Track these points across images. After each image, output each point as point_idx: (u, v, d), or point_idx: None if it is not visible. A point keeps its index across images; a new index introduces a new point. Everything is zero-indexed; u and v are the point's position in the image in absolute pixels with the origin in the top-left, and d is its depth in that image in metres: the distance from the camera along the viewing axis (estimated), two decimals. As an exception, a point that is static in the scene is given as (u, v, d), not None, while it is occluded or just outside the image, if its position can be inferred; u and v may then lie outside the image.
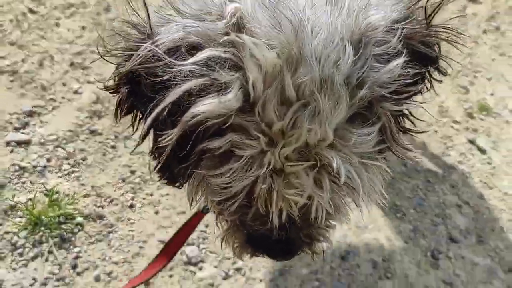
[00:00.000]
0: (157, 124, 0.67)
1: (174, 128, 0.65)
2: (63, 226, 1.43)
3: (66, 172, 1.55)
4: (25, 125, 1.60)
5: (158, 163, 0.73)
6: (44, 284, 1.33)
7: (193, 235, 1.49)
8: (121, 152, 1.63)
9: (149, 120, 0.66)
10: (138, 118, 0.77)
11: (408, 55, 0.68)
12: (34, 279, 1.33)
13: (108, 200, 1.52)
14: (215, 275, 1.44)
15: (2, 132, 1.57)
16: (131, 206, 1.53)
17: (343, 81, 0.63)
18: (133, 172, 1.59)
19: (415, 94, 0.71)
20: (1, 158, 1.52)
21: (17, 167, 1.52)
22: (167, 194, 1.57)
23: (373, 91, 0.66)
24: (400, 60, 0.66)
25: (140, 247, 1.45)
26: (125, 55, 0.71)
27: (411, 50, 0.70)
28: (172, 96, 0.63)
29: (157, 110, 0.65)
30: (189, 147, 0.66)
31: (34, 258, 1.37)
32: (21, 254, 1.37)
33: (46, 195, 1.48)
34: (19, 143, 1.56)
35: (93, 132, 1.63)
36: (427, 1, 0.73)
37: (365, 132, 0.69)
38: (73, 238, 1.43)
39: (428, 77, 0.79)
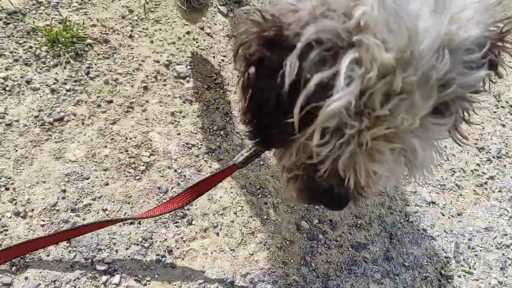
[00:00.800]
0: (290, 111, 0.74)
1: (311, 122, 0.73)
2: (76, 45, 1.77)
3: (75, 8, 1.87)
4: (38, -30, 1.89)
5: (260, 134, 0.88)
6: (64, 83, 1.68)
7: (182, 59, 1.86)
8: (120, -4, 1.95)
9: (296, 113, 0.73)
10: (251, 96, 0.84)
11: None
12: (56, 79, 1.68)
13: (111, 30, 1.86)
14: (199, 86, 1.82)
15: (19, -26, 1.87)
16: (131, 36, 1.87)
17: (436, 81, 0.71)
18: (131, 11, 1.92)
19: (483, 92, 0.81)
20: (20, -6, 1.83)
21: (34, 1, 1.83)
22: (160, 30, 1.92)
23: (456, 92, 0.74)
24: (484, 72, 0.75)
25: (139, 64, 1.81)
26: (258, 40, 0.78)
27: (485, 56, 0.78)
28: (309, 89, 0.71)
29: (300, 101, 0.72)
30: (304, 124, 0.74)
31: (54, 66, 1.72)
32: (44, 62, 1.71)
33: (60, 23, 1.80)
34: (34, -16, 1.86)
35: (96, -21, 1.94)
36: (506, 21, 0.82)
37: (442, 123, 0.76)
38: (84, 54, 1.77)
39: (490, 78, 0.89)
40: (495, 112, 2.09)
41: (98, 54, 1.79)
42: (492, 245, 1.71)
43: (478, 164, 1.92)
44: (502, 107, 2.12)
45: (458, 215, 1.76)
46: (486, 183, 1.87)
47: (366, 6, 0.70)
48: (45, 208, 1.44)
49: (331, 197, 0.95)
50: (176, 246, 1.48)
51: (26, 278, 1.32)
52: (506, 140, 2.01)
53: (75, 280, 1.35)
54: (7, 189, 1.45)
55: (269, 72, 0.75)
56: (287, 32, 0.74)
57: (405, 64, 0.68)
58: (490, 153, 1.96)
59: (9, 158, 1.50)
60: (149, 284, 1.39)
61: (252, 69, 0.79)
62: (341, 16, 0.72)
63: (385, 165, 0.77)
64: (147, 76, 1.79)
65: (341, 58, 0.69)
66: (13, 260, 1.33)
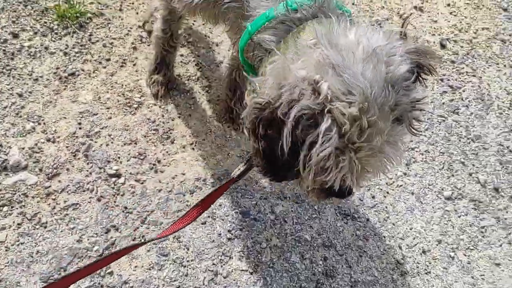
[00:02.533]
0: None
1: (310, 162, 1.04)
2: (79, 18, 2.32)
3: (76, -10, 2.42)
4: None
5: (273, 173, 1.19)
6: (73, 47, 2.24)
7: (161, 24, 2.40)
8: (110, -21, 2.48)
9: (301, 164, 1.05)
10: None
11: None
12: (67, 45, 2.24)
13: (105, 6, 2.40)
14: (175, 44, 2.36)
15: (30, -33, 2.41)
16: (120, 10, 2.41)
17: (389, 108, 1.02)
18: (119, -10, 2.46)
19: (424, 103, 1.12)
20: (33, -18, 2.37)
21: (44, -12, 2.38)
22: (143, 3, 2.46)
23: (402, 108, 1.06)
24: (419, 93, 1.09)
25: (128, 31, 2.35)
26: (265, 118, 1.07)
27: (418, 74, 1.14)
28: (305, 148, 1.03)
29: (301, 157, 1.04)
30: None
31: (65, 35, 2.27)
32: (56, 33, 2.26)
33: (65, 2, 2.35)
34: (43, -27, 2.40)
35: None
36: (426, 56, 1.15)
37: (400, 128, 1.09)
38: (86, 26, 2.32)
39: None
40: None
41: (97, 25, 2.34)
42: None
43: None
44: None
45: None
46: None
47: (327, 81, 1.00)
48: (67, 136, 2.02)
49: (341, 194, 1.28)
50: (163, 157, 2.06)
51: (59, 181, 1.91)
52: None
53: (93, 181, 1.94)
54: (39, 123, 2.03)
55: (272, 141, 1.07)
56: (278, 113, 1.04)
57: (366, 111, 0.99)
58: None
59: (39, 103, 2.08)
60: (145, 182, 1.98)
61: (262, 143, 1.11)
62: (311, 94, 1.01)
63: (374, 170, 1.13)
64: (135, 39, 2.34)
65: (320, 124, 1.00)
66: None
